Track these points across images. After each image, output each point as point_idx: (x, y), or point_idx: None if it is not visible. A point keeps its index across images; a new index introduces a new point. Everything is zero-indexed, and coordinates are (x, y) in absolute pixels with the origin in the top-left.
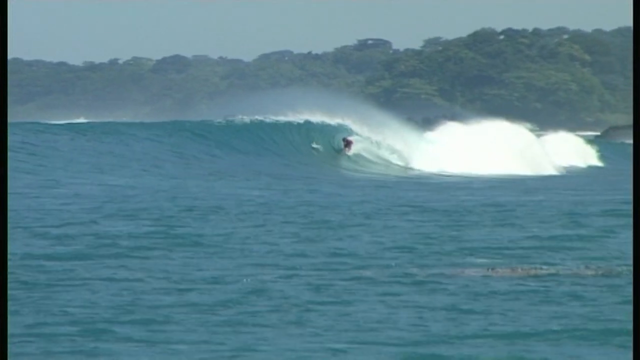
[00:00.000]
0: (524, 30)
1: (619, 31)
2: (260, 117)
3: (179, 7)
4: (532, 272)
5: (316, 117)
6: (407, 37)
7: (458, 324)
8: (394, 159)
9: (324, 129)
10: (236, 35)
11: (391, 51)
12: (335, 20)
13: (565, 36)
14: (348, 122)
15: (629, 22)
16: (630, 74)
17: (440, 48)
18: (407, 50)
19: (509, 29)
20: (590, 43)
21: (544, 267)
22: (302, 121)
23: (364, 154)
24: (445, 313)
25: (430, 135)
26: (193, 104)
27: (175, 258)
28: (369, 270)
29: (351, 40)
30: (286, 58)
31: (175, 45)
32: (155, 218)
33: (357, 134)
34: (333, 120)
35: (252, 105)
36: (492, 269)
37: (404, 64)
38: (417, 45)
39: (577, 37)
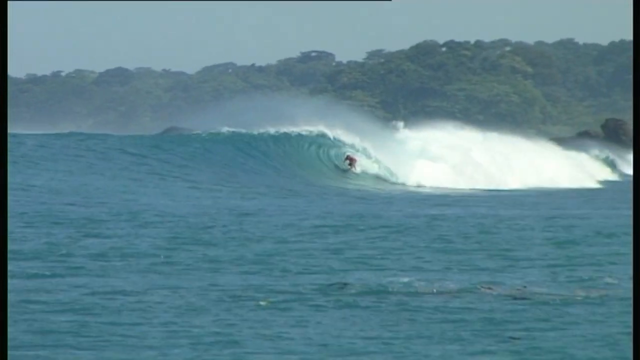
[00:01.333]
0: (466, 42)
1: (561, 43)
2: (286, 130)
3: (122, 19)
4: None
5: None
6: (350, 49)
7: None
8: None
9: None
10: (179, 47)
11: (334, 63)
12: (278, 32)
13: (508, 48)
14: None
15: (571, 34)
16: (572, 86)
17: (382, 60)
18: (350, 62)
19: (451, 41)
20: (532, 55)
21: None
22: (308, 133)
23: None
24: None
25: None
26: (136, 116)
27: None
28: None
29: (294, 53)
30: (229, 70)
31: (118, 57)
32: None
33: (356, 149)
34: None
35: (232, 116)
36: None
37: (347, 76)
38: (359, 57)
39: (519, 49)
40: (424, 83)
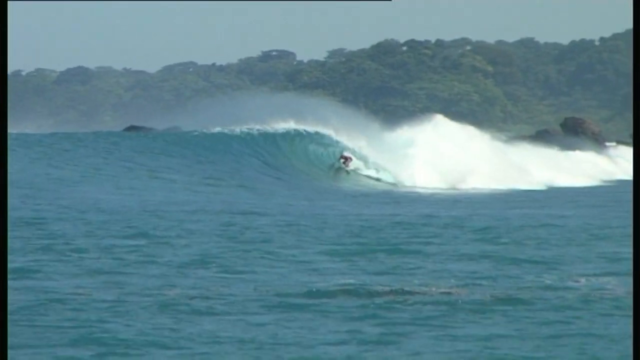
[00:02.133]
0: (427, 42)
1: (521, 42)
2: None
3: (83, 18)
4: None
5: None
6: (311, 48)
7: None
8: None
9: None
10: (140, 46)
11: (295, 62)
12: (239, 31)
13: (468, 47)
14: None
15: (531, 33)
16: (533, 85)
17: (343, 59)
18: (310, 61)
19: (412, 40)
20: (493, 54)
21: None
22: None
23: (361, 168)
24: None
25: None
26: (97, 115)
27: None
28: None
29: (255, 52)
30: (190, 69)
31: (78, 56)
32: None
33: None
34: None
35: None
36: None
37: (308, 75)
38: (321, 56)
39: (480, 48)
40: (384, 82)
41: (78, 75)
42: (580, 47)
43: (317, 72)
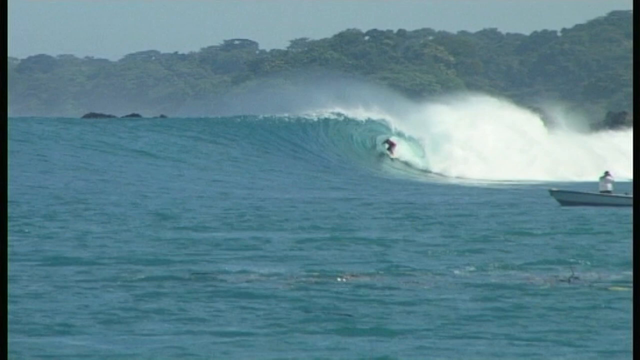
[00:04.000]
0: (389, 32)
1: (483, 32)
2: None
3: (45, 5)
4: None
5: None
6: (273, 37)
7: None
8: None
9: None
10: (102, 34)
11: (257, 51)
12: (201, 20)
13: (430, 37)
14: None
15: (494, 23)
16: (495, 75)
17: (305, 49)
18: (273, 50)
19: (374, 30)
20: (455, 44)
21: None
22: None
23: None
24: None
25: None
26: (59, 103)
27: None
28: None
29: (218, 41)
30: (153, 58)
31: (40, 44)
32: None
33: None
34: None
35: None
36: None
37: (270, 64)
38: (283, 46)
39: (442, 38)
40: (347, 71)
41: (40, 63)
42: (542, 38)
43: (279, 61)
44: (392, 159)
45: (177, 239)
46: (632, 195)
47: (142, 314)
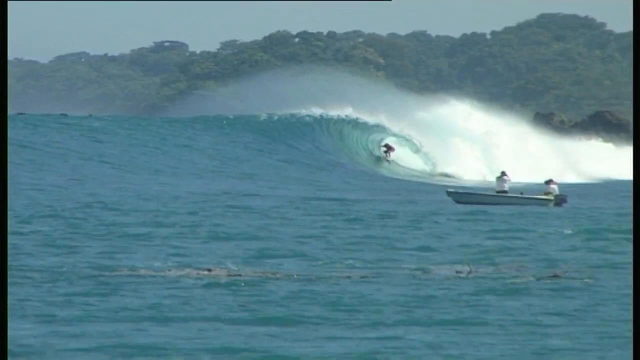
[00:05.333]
0: (319, 33)
1: (413, 35)
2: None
3: None
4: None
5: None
6: (203, 39)
7: None
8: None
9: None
10: (32, 36)
11: (187, 53)
12: (131, 22)
13: (360, 39)
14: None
15: (423, 26)
16: (424, 78)
17: (236, 50)
18: (203, 52)
19: (304, 32)
20: (385, 46)
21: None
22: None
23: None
24: None
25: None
26: None
27: None
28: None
29: (147, 43)
30: (82, 60)
31: None
32: None
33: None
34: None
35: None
36: None
37: (200, 66)
38: (213, 47)
39: (372, 40)
40: (277, 73)
41: None
42: (471, 40)
43: (209, 63)
44: (389, 162)
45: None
46: (527, 196)
47: None
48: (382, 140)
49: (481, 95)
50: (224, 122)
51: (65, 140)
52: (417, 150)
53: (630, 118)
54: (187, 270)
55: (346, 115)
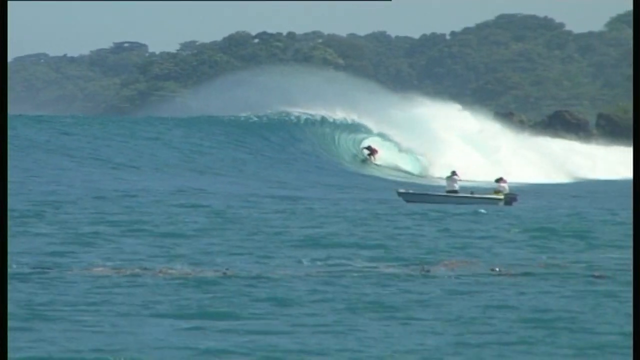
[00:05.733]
0: (279, 34)
1: (373, 35)
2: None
3: None
4: None
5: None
6: (163, 40)
7: None
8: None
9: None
10: None
11: (147, 54)
12: (91, 23)
13: (320, 40)
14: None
15: (383, 27)
16: (384, 78)
17: (195, 51)
18: (162, 53)
19: (264, 33)
20: (345, 47)
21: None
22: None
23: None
24: None
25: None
26: None
27: None
28: None
29: (107, 44)
30: (42, 61)
31: None
32: None
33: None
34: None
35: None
36: None
37: (159, 67)
38: (173, 48)
39: (332, 41)
40: (236, 74)
41: None
42: (431, 41)
43: (169, 63)
44: (376, 165)
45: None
46: (477, 195)
47: None
48: (362, 141)
49: (441, 95)
50: (191, 120)
51: (24, 134)
52: (399, 149)
53: (589, 118)
54: (125, 269)
55: (310, 114)
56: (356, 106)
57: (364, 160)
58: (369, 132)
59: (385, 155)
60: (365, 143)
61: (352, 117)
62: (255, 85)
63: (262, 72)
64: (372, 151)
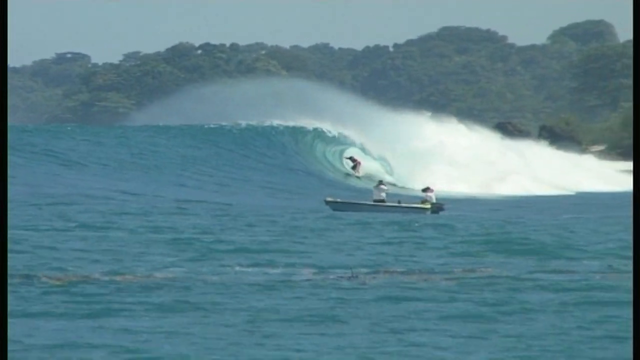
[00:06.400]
0: (222, 45)
1: (316, 47)
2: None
3: None
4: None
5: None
6: (106, 51)
7: None
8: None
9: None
10: None
11: (90, 65)
12: (33, 33)
13: (263, 51)
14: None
15: (326, 38)
16: (330, 91)
17: (138, 62)
18: (105, 64)
19: (207, 44)
20: (288, 59)
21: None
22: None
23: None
24: None
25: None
26: None
27: None
28: None
29: (49, 54)
30: None
31: None
32: None
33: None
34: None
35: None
36: None
37: (102, 78)
38: (116, 59)
39: (275, 52)
40: (179, 85)
41: None
42: (374, 53)
43: (112, 74)
44: (358, 177)
45: None
46: (404, 205)
47: None
48: (343, 151)
49: (384, 107)
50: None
51: None
52: (375, 159)
53: (532, 130)
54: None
55: (260, 121)
56: (320, 113)
57: (348, 174)
58: (329, 139)
59: (368, 166)
60: (348, 154)
61: (314, 124)
62: (199, 96)
63: (205, 84)
64: (355, 163)
